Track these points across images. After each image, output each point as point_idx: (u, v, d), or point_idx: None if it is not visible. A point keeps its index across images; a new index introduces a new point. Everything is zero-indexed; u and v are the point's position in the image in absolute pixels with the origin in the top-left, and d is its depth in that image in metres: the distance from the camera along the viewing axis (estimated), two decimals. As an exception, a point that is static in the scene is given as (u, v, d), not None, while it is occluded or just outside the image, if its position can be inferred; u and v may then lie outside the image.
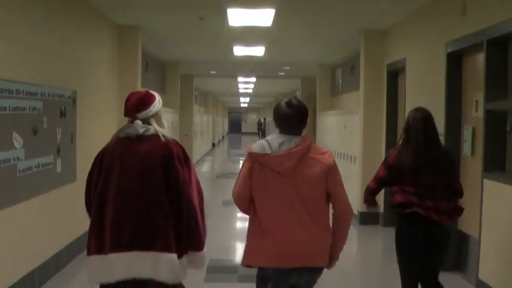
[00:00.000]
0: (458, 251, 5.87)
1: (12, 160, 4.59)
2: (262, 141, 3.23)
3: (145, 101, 3.33)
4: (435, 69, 6.27)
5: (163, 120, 3.41)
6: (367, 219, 8.41)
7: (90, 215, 3.36)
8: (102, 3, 7.03)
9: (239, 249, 7.48)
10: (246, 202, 3.28)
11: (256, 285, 3.50)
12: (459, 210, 4.03)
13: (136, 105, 3.30)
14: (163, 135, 3.28)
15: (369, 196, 4.10)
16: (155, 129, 3.28)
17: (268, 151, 3.15)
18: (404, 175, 3.87)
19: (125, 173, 3.21)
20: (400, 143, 4.03)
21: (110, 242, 3.15)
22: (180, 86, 14.11)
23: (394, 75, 8.28)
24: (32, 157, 4.98)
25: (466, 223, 5.73)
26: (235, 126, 55.32)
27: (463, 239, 5.76)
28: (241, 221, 9.76)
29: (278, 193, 3.14)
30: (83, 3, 6.71)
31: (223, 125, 45.46)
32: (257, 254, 3.27)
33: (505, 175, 4.83)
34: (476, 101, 5.45)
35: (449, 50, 5.87)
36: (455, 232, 5.88)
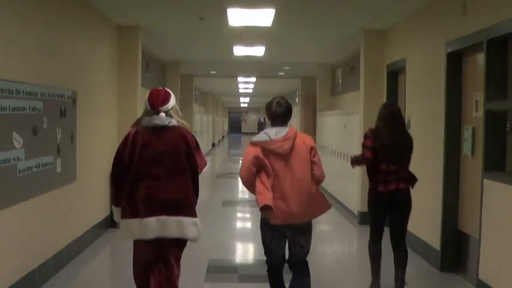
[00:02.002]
0: (458, 251, 5.87)
1: (12, 160, 4.59)
2: (262, 134, 4.29)
3: (166, 97, 4.20)
4: (435, 69, 6.27)
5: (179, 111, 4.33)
6: (367, 219, 8.39)
7: (113, 184, 4.25)
8: (102, 3, 7.03)
9: (239, 249, 7.48)
10: (251, 184, 4.21)
11: (264, 238, 4.41)
12: (414, 179, 5.16)
13: (161, 100, 4.15)
14: (183, 124, 4.22)
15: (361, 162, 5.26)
16: (176, 121, 4.18)
17: (268, 139, 4.20)
18: (377, 153, 4.97)
19: (153, 156, 4.07)
20: (372, 129, 5.13)
21: (144, 209, 4.01)
22: (180, 86, 14.11)
23: (394, 75, 8.27)
24: (32, 157, 4.98)
25: (466, 223, 5.73)
26: (235, 126, 55.28)
27: (463, 239, 5.76)
28: (241, 221, 9.76)
29: (278, 168, 4.16)
30: (83, 3, 6.71)
31: (223, 125, 45.44)
32: (276, 213, 4.17)
33: (505, 175, 4.83)
34: (476, 101, 5.45)
35: (449, 50, 5.87)
36: (455, 232, 5.89)
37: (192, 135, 4.26)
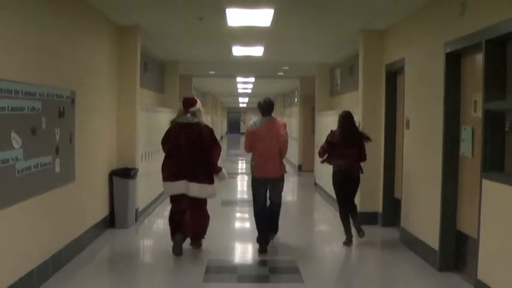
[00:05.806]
0: (457, 251, 5.88)
1: (10, 160, 4.58)
2: (252, 122, 6.91)
3: (192, 102, 6.66)
4: (434, 69, 6.28)
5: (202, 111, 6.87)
6: (367, 219, 8.40)
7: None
8: (102, 3, 7.02)
9: (238, 249, 7.48)
10: (250, 151, 6.87)
11: (252, 187, 7.01)
12: (361, 168, 7.27)
13: (189, 104, 6.64)
14: (203, 122, 6.67)
15: (323, 154, 7.36)
16: (199, 120, 6.60)
17: (256, 127, 6.81)
18: (336, 146, 7.14)
19: (184, 142, 6.47)
20: (335, 130, 7.26)
21: (175, 176, 6.50)
22: (179, 86, 14.10)
23: (393, 75, 8.27)
24: (30, 157, 4.97)
25: (465, 223, 5.73)
26: (234, 126, 55.27)
27: (462, 239, 5.77)
28: (240, 221, 9.76)
29: (262, 146, 6.73)
30: (82, 3, 6.70)
31: (222, 125, 45.39)
32: (256, 170, 6.87)
33: (503, 175, 4.83)
34: (475, 101, 5.45)
35: (448, 50, 5.87)
36: (454, 232, 5.90)
37: (210, 129, 6.66)
